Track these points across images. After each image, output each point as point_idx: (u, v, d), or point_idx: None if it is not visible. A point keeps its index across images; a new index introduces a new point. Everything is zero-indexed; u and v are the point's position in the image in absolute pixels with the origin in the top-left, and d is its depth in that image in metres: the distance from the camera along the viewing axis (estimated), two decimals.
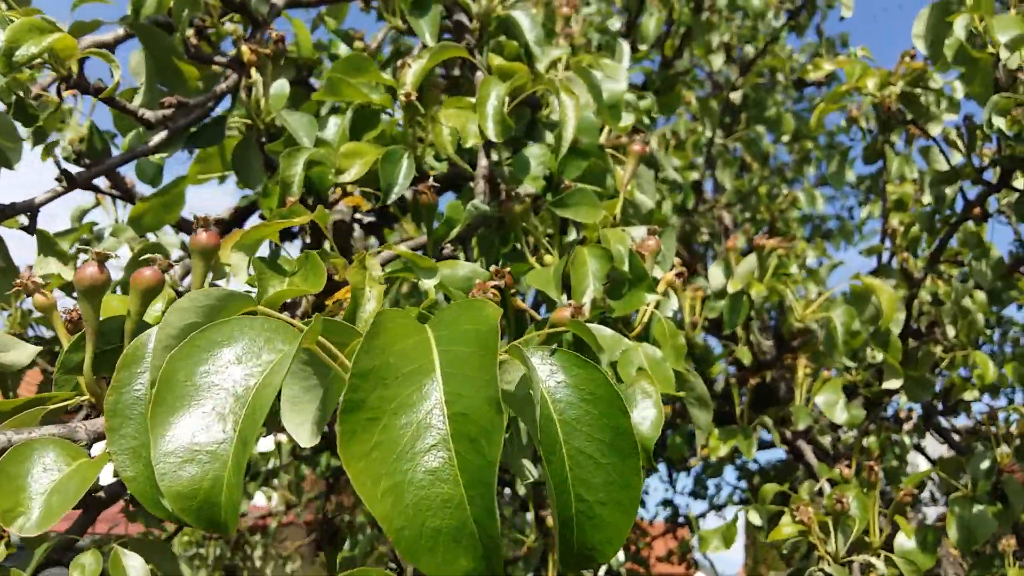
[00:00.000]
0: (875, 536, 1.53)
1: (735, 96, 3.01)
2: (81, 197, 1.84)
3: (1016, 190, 1.86)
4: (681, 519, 5.15)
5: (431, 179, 0.97)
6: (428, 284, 0.79)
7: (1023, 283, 3.00)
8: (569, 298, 0.93)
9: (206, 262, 0.73)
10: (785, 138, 4.04)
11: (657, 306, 1.03)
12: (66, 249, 1.69)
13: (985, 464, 1.88)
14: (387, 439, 0.43)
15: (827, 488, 1.75)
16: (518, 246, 1.07)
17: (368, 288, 0.73)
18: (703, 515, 5.23)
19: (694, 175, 3.28)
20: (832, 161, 2.81)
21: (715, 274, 1.88)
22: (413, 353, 0.46)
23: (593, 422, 0.55)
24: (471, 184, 1.13)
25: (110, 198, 1.77)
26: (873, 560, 1.44)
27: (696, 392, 0.96)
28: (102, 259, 0.66)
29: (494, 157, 1.14)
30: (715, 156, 3.45)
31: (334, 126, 1.12)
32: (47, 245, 1.14)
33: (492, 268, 0.88)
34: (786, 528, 1.48)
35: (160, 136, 1.08)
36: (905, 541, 2.03)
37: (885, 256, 2.60)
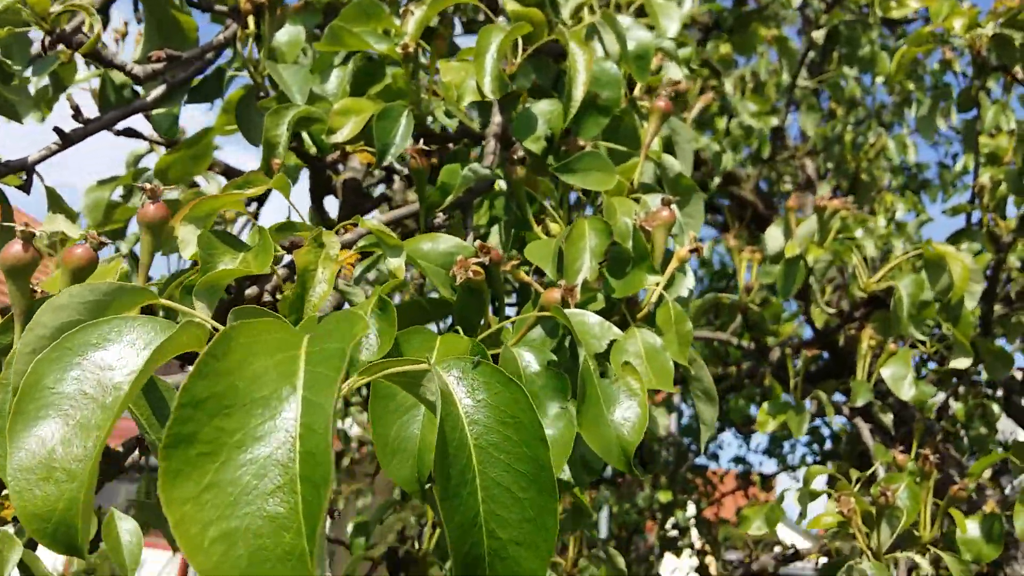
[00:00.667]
0: (925, 530, 1.42)
1: (817, 35, 2.77)
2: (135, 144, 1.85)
3: None
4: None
5: (421, 141, 0.89)
6: (393, 263, 0.73)
7: None
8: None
9: (155, 236, 0.69)
10: (880, 79, 3.75)
11: (670, 285, 0.94)
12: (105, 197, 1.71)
13: None
14: (224, 479, 0.37)
15: (881, 473, 1.63)
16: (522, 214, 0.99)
17: (321, 269, 0.67)
18: (774, 475, 5.11)
19: (774, 120, 3.07)
20: (923, 105, 2.57)
21: (773, 235, 1.75)
22: (271, 374, 0.40)
23: (513, 450, 0.48)
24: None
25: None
26: (917, 558, 1.33)
27: (703, 384, 0.87)
28: (28, 236, 0.62)
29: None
30: (798, 100, 3.22)
31: (336, 79, 1.06)
32: (56, 203, 1.12)
33: (477, 243, 0.81)
34: (826, 518, 1.38)
35: (159, 90, 1.04)
36: (969, 527, 1.90)
37: (975, 216, 2.38)
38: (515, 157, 0.93)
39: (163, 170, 1.30)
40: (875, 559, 1.33)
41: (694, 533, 5.10)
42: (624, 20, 1.11)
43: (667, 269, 0.91)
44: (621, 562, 1.41)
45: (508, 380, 0.49)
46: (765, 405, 1.73)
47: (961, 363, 1.59)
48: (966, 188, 3.89)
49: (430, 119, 1.10)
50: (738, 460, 5.41)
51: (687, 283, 0.93)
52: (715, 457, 5.51)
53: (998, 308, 2.63)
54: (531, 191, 1.01)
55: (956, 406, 4.25)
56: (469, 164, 0.93)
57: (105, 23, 1.17)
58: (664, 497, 4.94)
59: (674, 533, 4.87)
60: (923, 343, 1.86)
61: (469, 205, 0.97)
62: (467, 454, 0.47)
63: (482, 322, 0.83)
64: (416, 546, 1.29)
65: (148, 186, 0.68)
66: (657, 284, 0.89)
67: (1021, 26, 1.88)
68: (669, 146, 1.24)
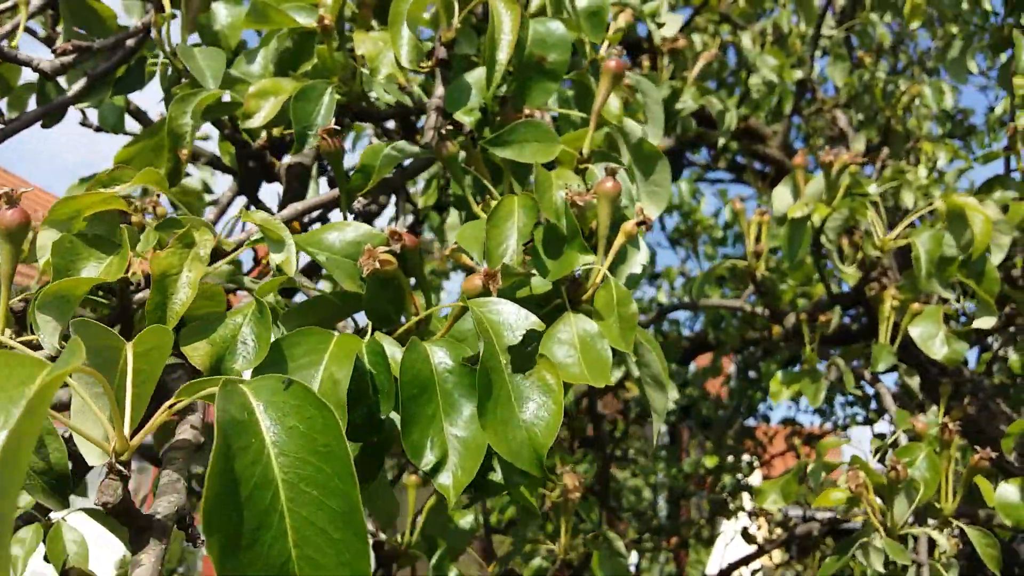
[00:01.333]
0: (946, 502, 1.31)
1: None
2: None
3: None
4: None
5: (333, 122, 0.82)
6: (277, 258, 0.66)
7: None
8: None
9: (15, 245, 0.63)
10: (915, 24, 3.53)
11: (622, 262, 0.85)
12: None
13: None
14: None
15: (903, 441, 1.52)
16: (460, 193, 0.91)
17: (186, 271, 0.60)
18: (823, 436, 4.96)
19: (798, 74, 2.91)
20: (954, 47, 2.39)
21: (780, 195, 1.63)
22: None
23: (326, 484, 0.41)
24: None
25: None
26: (935, 534, 1.23)
27: (651, 370, 0.79)
28: (14, 202, 0.58)
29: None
30: (825, 49, 3.04)
31: (261, 60, 0.99)
32: None
33: (388, 228, 0.74)
34: (835, 494, 1.29)
35: (80, 84, 0.99)
36: (1008, 491, 1.78)
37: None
38: (443, 132, 0.85)
39: (124, 162, 1.26)
40: (889, 536, 1.23)
41: (745, 496, 5.00)
42: None
43: (613, 245, 0.82)
44: (620, 545, 1.35)
45: (321, 404, 0.42)
46: (779, 374, 1.63)
47: (985, 323, 1.46)
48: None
49: (374, 95, 1.03)
50: (787, 422, 5.28)
51: (640, 259, 0.85)
52: (766, 419, 5.39)
53: None
54: (476, 168, 0.93)
55: (1014, 357, 4.05)
56: (394, 143, 0.85)
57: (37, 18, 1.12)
58: (711, 462, 4.84)
59: (725, 496, 4.78)
60: (948, 301, 1.73)
61: (402, 187, 0.90)
62: (272, 491, 0.40)
63: (403, 316, 0.77)
64: (400, 539, 1.24)
65: (5, 191, 0.62)
66: (603, 265, 0.81)
67: None
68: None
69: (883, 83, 2.90)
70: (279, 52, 0.98)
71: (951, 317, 1.73)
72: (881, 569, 1.32)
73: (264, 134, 1.02)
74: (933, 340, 1.69)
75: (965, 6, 2.34)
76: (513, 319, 0.67)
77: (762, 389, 3.84)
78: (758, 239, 1.72)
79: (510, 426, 0.63)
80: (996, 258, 1.55)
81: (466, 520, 1.35)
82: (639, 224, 0.82)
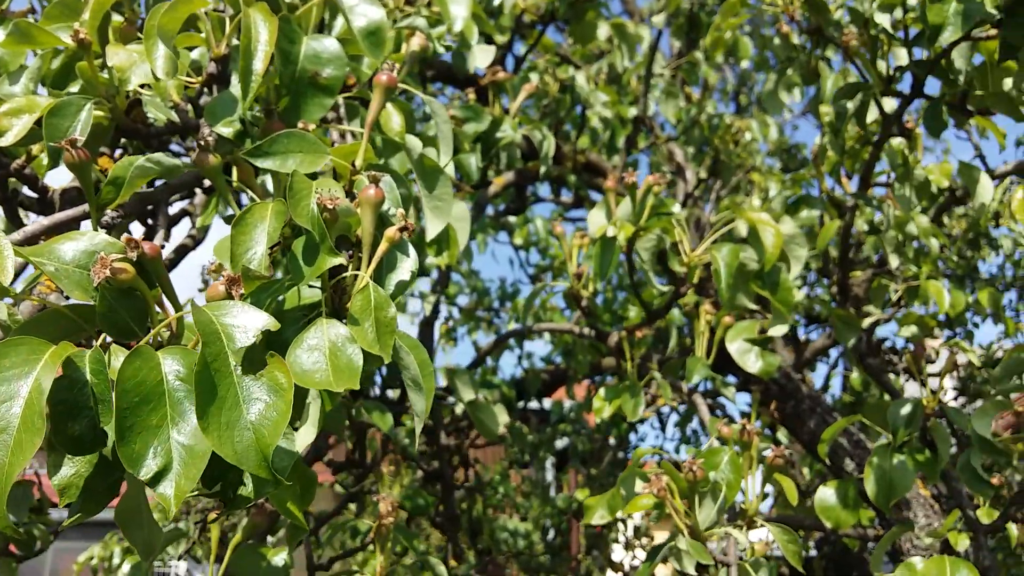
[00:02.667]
0: (749, 502, 1.38)
1: (657, 19, 2.76)
2: None
3: (928, 97, 1.65)
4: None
5: (78, 133, 0.79)
6: None
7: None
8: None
9: None
10: (745, 63, 3.79)
11: (392, 268, 0.86)
12: None
13: (905, 410, 1.71)
14: None
15: (716, 446, 1.59)
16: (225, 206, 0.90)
17: None
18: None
19: (632, 110, 3.06)
20: (769, 80, 2.57)
21: (594, 218, 1.70)
22: None
23: None
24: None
25: None
26: (734, 532, 1.28)
27: (410, 373, 0.79)
28: None
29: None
30: (653, 87, 3.21)
31: (25, 80, 0.95)
32: None
33: (125, 237, 0.71)
34: (642, 500, 1.33)
35: None
36: (827, 494, 1.88)
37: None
38: (202, 144, 0.84)
39: None
40: (694, 537, 1.27)
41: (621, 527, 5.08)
42: None
43: (377, 251, 0.83)
44: (443, 570, 1.33)
45: None
46: (601, 390, 1.67)
47: (778, 329, 1.56)
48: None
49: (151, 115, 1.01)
50: (656, 451, 5.38)
51: (408, 265, 0.86)
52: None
53: (858, 275, 2.65)
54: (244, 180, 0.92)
55: (852, 378, 4.30)
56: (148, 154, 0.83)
57: None
58: (582, 495, 4.89)
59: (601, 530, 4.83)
60: (755, 312, 1.83)
61: (164, 202, 0.88)
62: None
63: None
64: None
65: None
66: (367, 271, 0.81)
67: None
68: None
69: (708, 117, 3.08)
70: (48, 72, 0.94)
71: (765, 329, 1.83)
72: (693, 572, 1.37)
73: (24, 155, 0.97)
74: (748, 354, 1.79)
75: (777, 42, 2.53)
76: (246, 322, 0.66)
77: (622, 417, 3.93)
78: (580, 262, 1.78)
79: (236, 428, 0.62)
80: (794, 270, 1.66)
81: (279, 557, 1.31)
82: (402, 230, 0.83)
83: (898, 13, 1.50)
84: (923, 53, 1.65)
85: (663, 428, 5.14)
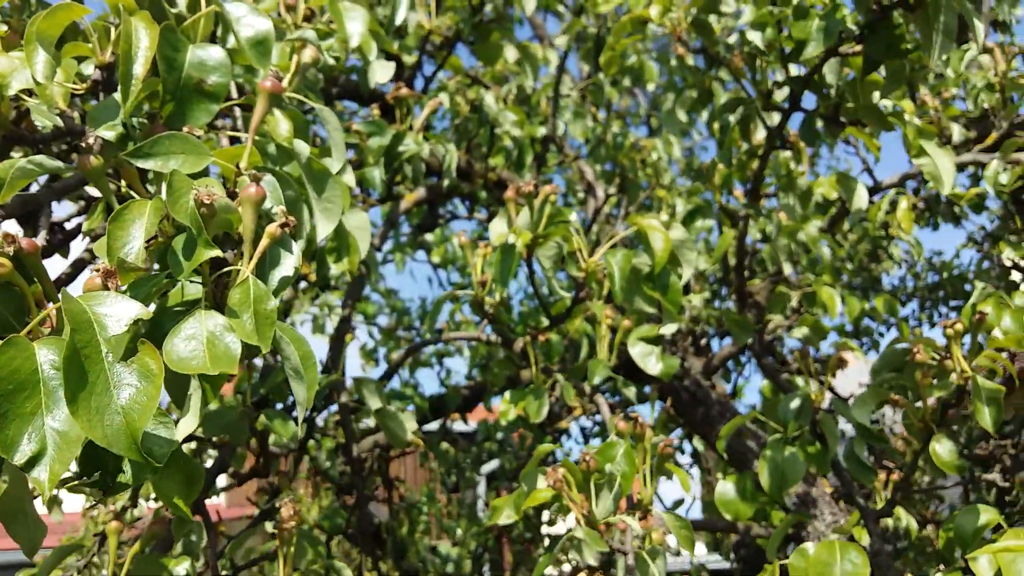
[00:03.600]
0: (643, 493, 1.44)
1: (560, 41, 2.86)
2: None
3: (804, 111, 1.77)
4: None
5: None
6: None
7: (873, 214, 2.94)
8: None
9: None
10: (651, 86, 3.93)
11: (276, 265, 0.89)
12: None
13: (795, 404, 1.80)
14: None
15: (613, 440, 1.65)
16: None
17: None
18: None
19: (541, 129, 3.14)
20: (667, 101, 2.69)
21: (495, 227, 1.75)
22: None
23: None
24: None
25: None
26: (629, 520, 1.34)
27: (291, 363, 0.82)
28: None
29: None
30: (563, 108, 3.31)
31: None
32: None
33: (2, 233, 0.73)
34: (540, 493, 1.37)
35: None
36: (726, 489, 1.96)
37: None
38: (84, 146, 0.85)
39: None
40: (590, 527, 1.32)
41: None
42: (238, 9, 1.07)
43: (259, 247, 0.86)
44: (348, 574, 1.34)
45: None
46: (507, 393, 1.72)
47: (669, 328, 1.63)
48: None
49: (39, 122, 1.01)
50: (555, 446, 5.44)
51: (291, 262, 0.88)
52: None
53: (758, 283, 2.78)
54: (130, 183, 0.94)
55: (764, 383, 4.44)
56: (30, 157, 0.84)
57: None
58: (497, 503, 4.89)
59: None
60: (654, 316, 1.91)
61: (47, 203, 0.88)
62: None
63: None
64: None
65: None
66: (248, 264, 0.84)
67: (716, 9, 1.99)
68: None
69: (613, 136, 3.19)
70: None
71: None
72: (593, 562, 1.42)
73: None
74: (649, 357, 1.86)
75: (674, 63, 2.65)
76: (118, 311, 0.68)
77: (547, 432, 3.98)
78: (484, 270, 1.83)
79: (106, 413, 0.64)
80: (685, 273, 1.74)
81: (181, 567, 1.30)
82: (283, 226, 0.86)
83: (771, 33, 1.61)
84: (801, 70, 1.77)
85: (586, 440, 5.20)
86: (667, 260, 1.59)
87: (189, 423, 0.79)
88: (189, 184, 0.84)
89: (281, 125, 1.06)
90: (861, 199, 1.89)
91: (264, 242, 0.86)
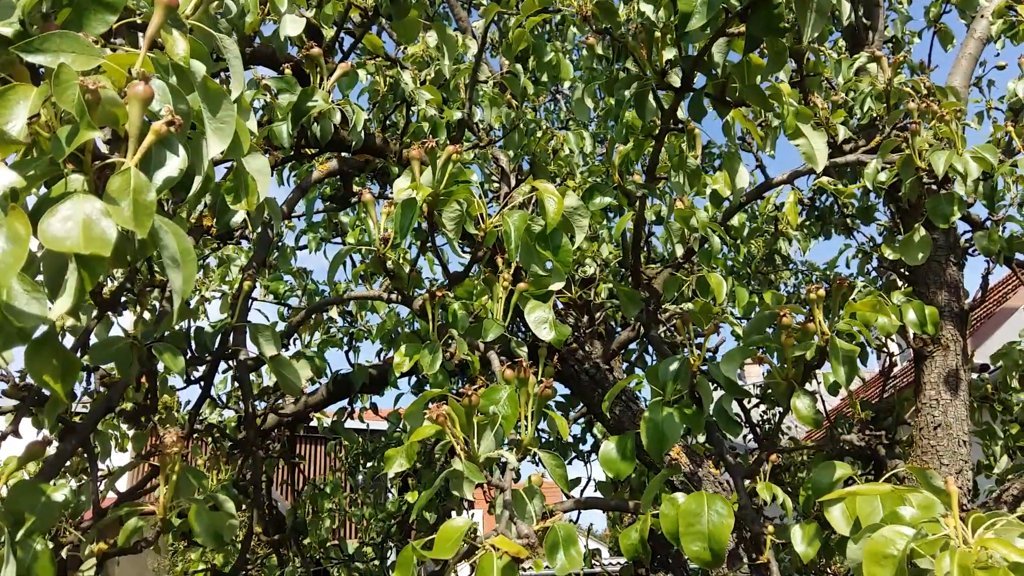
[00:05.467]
0: (524, 433, 1.51)
1: (478, 25, 2.93)
2: None
3: (694, 91, 1.88)
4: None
5: None
6: None
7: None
8: None
9: None
10: (567, 84, 4.04)
11: (162, 165, 0.92)
12: None
13: (673, 367, 1.90)
14: None
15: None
16: None
17: None
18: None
19: (457, 113, 3.20)
20: (577, 89, 2.79)
21: (399, 184, 1.80)
22: None
23: None
24: None
25: None
26: (507, 454, 1.41)
27: (169, 251, 0.85)
28: None
29: None
30: (482, 96, 3.38)
31: None
32: None
33: None
34: (426, 429, 1.42)
35: None
36: (609, 449, 2.05)
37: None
38: None
39: None
40: (469, 460, 1.38)
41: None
42: None
43: (143, 143, 0.89)
44: (231, 506, 1.37)
45: None
46: (403, 347, 1.76)
47: (556, 285, 1.71)
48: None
49: None
50: (443, 392, 5.51)
51: (176, 163, 0.92)
52: None
53: (654, 268, 2.90)
54: None
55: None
56: None
57: None
58: (412, 497, 4.92)
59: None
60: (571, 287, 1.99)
61: None
62: None
63: None
64: None
65: None
66: (129, 158, 0.87)
67: None
68: None
69: (526, 123, 3.28)
70: None
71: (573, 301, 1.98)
72: (470, 496, 1.48)
73: None
74: (543, 325, 1.93)
75: (585, 52, 2.74)
76: None
77: None
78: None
79: None
80: (579, 237, 1.83)
81: (60, 493, 1.30)
82: (168, 124, 0.89)
83: (665, 13, 1.71)
84: (693, 50, 1.88)
85: None
86: (559, 221, 1.66)
87: (64, 303, 0.82)
88: (75, 75, 0.87)
89: (178, 44, 1.08)
90: (742, 179, 2.02)
91: (149, 138, 0.89)
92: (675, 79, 1.91)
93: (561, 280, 1.70)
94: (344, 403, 3.90)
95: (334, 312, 3.14)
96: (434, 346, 1.77)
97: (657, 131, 2.06)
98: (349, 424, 4.36)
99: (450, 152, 1.73)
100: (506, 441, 1.49)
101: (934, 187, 2.54)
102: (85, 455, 1.45)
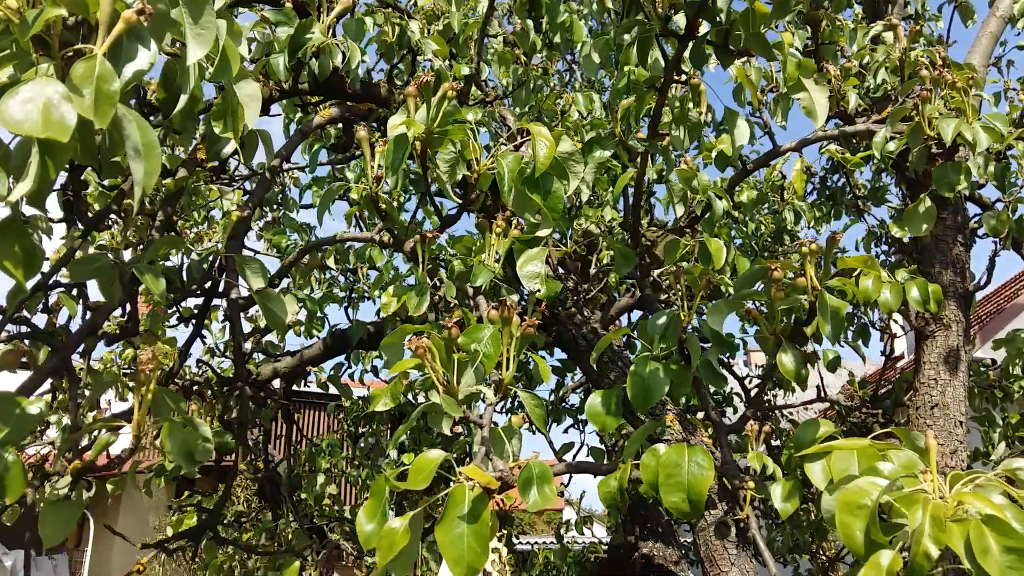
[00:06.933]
0: (505, 373, 1.49)
1: None
2: None
3: (697, 39, 1.84)
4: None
5: None
6: None
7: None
8: None
9: None
10: (579, 47, 3.99)
11: (124, 61, 0.90)
12: None
13: (661, 321, 1.89)
14: None
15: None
16: None
17: None
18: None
19: (465, 69, 3.17)
20: (585, 46, 2.75)
21: (393, 120, 1.78)
22: None
23: None
24: None
25: None
26: (485, 389, 1.40)
27: (132, 141, 0.84)
28: None
29: None
30: (492, 54, 3.35)
31: None
32: None
33: None
34: (406, 362, 1.42)
35: None
36: (595, 402, 2.04)
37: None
38: None
39: None
40: (448, 393, 1.37)
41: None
42: None
43: (113, 31, 0.87)
44: (207, 430, 1.37)
45: None
46: (390, 288, 1.75)
47: (543, 232, 1.69)
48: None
49: None
50: (423, 328, 5.53)
51: (145, 57, 0.90)
52: None
53: (653, 230, 2.87)
54: None
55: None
56: None
57: None
58: (408, 459, 4.94)
59: None
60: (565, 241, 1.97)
61: None
62: None
63: None
64: None
65: None
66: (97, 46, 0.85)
67: None
68: None
69: (534, 79, 3.24)
70: None
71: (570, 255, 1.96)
72: (447, 431, 1.47)
73: None
74: (535, 279, 1.92)
75: (595, 7, 2.70)
76: None
77: None
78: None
79: None
80: (572, 184, 1.80)
81: (35, 407, 1.30)
82: (139, 13, 0.88)
83: None
84: None
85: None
86: (549, 164, 1.64)
87: (25, 186, 0.81)
88: None
89: None
90: (742, 135, 1.99)
91: (119, 27, 0.87)
92: (680, 22, 1.87)
93: (549, 227, 1.68)
94: (342, 358, 3.91)
95: (331, 260, 3.14)
96: (421, 288, 1.76)
97: (660, 83, 2.02)
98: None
99: (445, 89, 1.70)
100: (488, 379, 1.48)
101: (942, 158, 2.49)
102: (66, 378, 1.45)
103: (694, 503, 1.63)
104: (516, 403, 4.35)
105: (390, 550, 1.23)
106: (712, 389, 2.70)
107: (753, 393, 2.08)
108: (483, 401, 1.45)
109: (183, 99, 1.23)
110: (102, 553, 11.37)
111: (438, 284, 1.82)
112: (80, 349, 1.57)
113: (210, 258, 1.75)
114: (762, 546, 1.71)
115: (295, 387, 3.91)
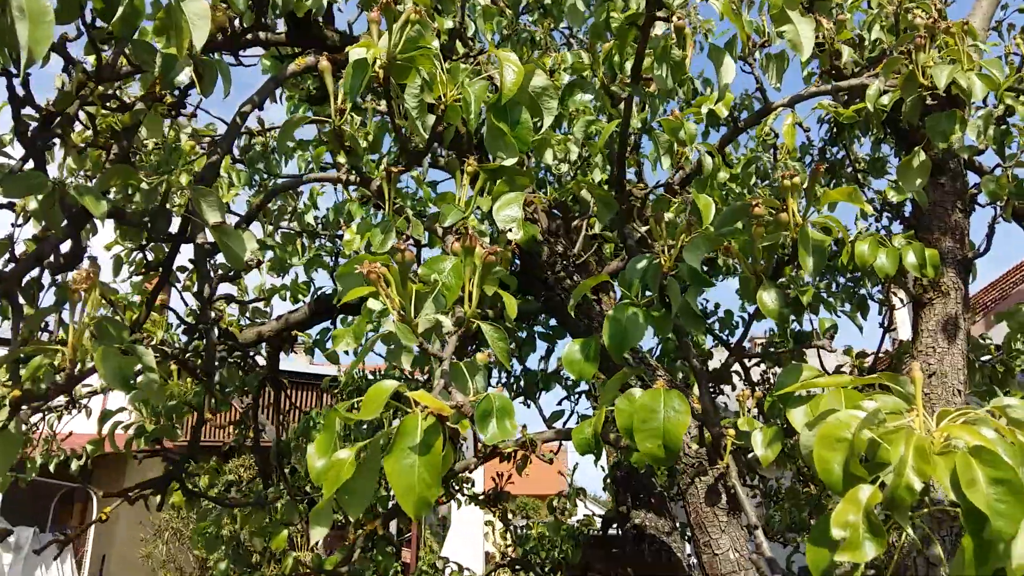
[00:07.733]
0: (467, 306, 1.42)
1: None
2: None
3: None
4: None
5: None
6: None
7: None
8: None
9: None
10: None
11: None
12: None
13: (641, 265, 1.81)
14: None
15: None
16: None
17: None
18: None
19: (448, 23, 3.08)
20: None
21: (355, 52, 1.70)
22: None
23: None
24: None
25: None
26: (442, 318, 1.32)
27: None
28: None
29: None
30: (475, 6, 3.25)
31: None
32: None
33: None
34: (360, 291, 1.34)
35: None
36: (574, 350, 1.96)
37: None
38: None
39: None
40: (403, 322, 1.30)
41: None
42: None
43: None
44: (150, 359, 1.30)
45: None
46: (353, 225, 1.68)
47: (509, 161, 1.61)
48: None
49: None
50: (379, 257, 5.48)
51: None
52: None
53: (643, 186, 2.79)
54: None
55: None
56: None
57: None
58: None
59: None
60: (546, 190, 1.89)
61: None
62: None
63: None
64: None
65: None
66: None
67: None
68: None
69: (519, 32, 3.16)
70: None
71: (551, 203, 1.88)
72: (407, 366, 1.40)
73: None
74: (512, 224, 1.84)
75: None
76: None
77: None
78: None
79: None
80: (547, 120, 1.72)
81: None
82: None
83: None
84: None
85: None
86: (516, 91, 1.56)
87: None
88: None
89: None
90: (729, 72, 1.90)
91: None
92: None
93: (514, 156, 1.60)
94: (327, 324, 3.84)
95: (310, 217, 3.05)
96: (387, 225, 1.68)
97: (642, 21, 1.94)
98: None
99: (409, 12, 1.62)
100: (449, 312, 1.41)
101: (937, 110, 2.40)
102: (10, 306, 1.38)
103: (669, 449, 1.56)
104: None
105: (336, 480, 1.15)
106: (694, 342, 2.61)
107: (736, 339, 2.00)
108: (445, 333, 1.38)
109: (120, 8, 1.16)
110: (108, 525, 11.43)
111: (407, 220, 1.75)
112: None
113: (162, 189, 1.67)
114: (741, 494, 1.64)
115: (287, 368, 3.84)
